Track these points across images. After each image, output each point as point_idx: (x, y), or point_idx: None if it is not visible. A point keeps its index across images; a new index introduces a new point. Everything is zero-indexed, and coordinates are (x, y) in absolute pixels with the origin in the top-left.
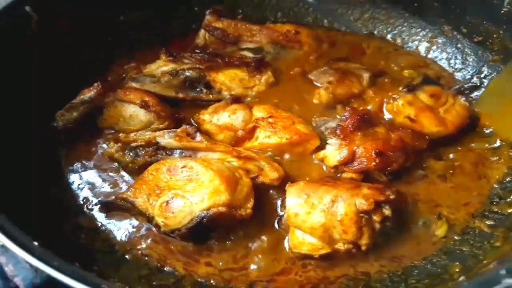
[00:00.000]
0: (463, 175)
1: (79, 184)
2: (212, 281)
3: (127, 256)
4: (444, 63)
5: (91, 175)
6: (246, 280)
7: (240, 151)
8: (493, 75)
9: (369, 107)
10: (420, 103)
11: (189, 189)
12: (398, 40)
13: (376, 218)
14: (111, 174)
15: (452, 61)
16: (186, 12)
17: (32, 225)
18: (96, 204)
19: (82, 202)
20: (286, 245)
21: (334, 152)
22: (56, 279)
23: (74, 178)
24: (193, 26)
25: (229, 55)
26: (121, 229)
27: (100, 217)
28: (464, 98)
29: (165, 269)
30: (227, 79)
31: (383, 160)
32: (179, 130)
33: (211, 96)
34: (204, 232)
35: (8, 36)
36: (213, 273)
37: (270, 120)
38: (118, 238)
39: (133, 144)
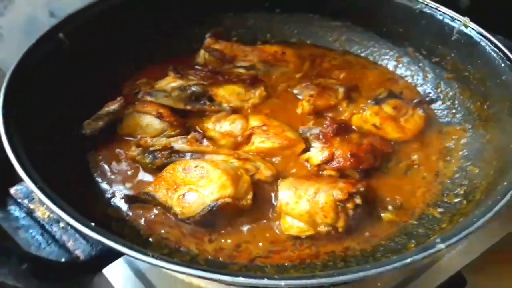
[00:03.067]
0: (421, 173)
1: (106, 183)
2: (220, 258)
3: (150, 239)
4: (408, 79)
5: (114, 175)
6: (248, 257)
7: (240, 153)
8: (447, 89)
9: (343, 117)
10: (384, 113)
11: (201, 184)
12: (370, 58)
13: (349, 205)
14: (129, 173)
15: (415, 77)
16: (188, 33)
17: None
18: (122, 198)
19: (109, 196)
20: (277, 229)
21: (317, 154)
22: (111, 249)
23: (100, 177)
24: (194, 46)
25: (226, 72)
26: (143, 218)
27: (125, 208)
28: (422, 110)
29: (181, 249)
30: (227, 93)
31: (356, 160)
32: (189, 136)
33: (213, 107)
34: (212, 219)
35: (49, 60)
36: (221, 251)
37: (264, 128)
38: (142, 225)
39: (151, 149)
